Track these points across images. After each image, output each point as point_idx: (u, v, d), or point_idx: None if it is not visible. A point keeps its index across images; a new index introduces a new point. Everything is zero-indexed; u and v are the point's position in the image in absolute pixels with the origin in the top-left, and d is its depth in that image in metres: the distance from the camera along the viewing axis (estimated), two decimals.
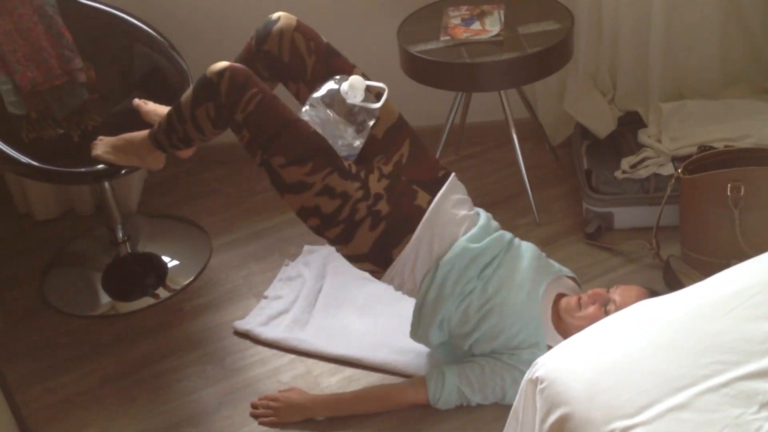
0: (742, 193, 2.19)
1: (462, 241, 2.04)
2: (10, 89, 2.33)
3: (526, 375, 1.53)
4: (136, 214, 2.86)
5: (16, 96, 2.33)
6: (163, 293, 2.53)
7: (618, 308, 1.88)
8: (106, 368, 2.29)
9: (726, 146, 2.43)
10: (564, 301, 2.04)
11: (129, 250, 2.67)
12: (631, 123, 2.76)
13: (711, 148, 2.43)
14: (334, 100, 2.00)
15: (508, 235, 2.13)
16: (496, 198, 2.78)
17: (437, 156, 2.72)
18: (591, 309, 1.97)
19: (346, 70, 2.10)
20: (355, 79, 2.00)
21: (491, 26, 2.54)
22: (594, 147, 2.74)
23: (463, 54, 2.45)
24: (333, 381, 2.17)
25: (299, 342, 2.28)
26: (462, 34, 2.52)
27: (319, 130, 1.99)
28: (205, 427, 2.08)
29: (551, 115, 2.92)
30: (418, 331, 2.08)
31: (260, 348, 2.30)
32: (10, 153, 2.25)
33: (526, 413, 1.53)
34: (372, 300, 2.39)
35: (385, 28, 2.70)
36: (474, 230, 2.07)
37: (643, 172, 2.54)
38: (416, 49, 2.48)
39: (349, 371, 2.19)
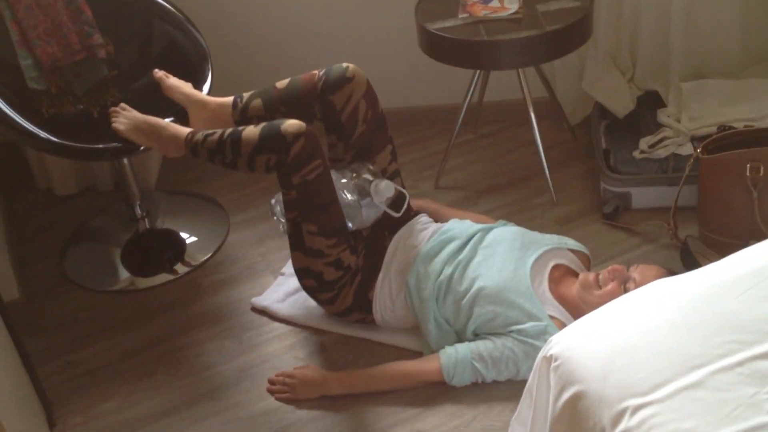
0: (761, 174, 2.17)
1: (419, 252, 2.15)
2: (31, 64, 2.34)
3: (540, 352, 1.54)
4: (154, 191, 2.88)
5: (36, 71, 2.34)
6: (181, 269, 2.56)
7: (637, 287, 1.88)
8: (126, 343, 2.32)
9: (746, 126, 2.41)
10: (582, 277, 2.04)
11: (147, 226, 2.69)
12: (650, 102, 2.74)
13: (731, 128, 2.41)
14: (363, 189, 2.14)
15: (478, 225, 2.22)
16: (514, 177, 2.78)
17: (453, 137, 2.73)
18: (610, 286, 1.97)
19: (383, 145, 2.22)
20: (388, 185, 2.14)
21: (510, 4, 2.52)
22: (613, 126, 2.73)
23: (481, 32, 2.44)
24: (349, 357, 2.19)
25: (315, 318, 2.29)
26: (480, 11, 2.51)
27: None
28: (224, 401, 2.11)
29: (570, 94, 2.90)
30: (432, 347, 2.11)
31: (277, 324, 2.32)
32: (30, 128, 2.26)
33: (540, 391, 1.54)
34: None
35: (404, 5, 2.69)
36: (432, 239, 2.18)
37: (661, 152, 2.53)
38: (434, 26, 2.47)
39: (364, 348, 2.21)
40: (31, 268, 2.63)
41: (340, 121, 2.17)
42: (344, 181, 2.14)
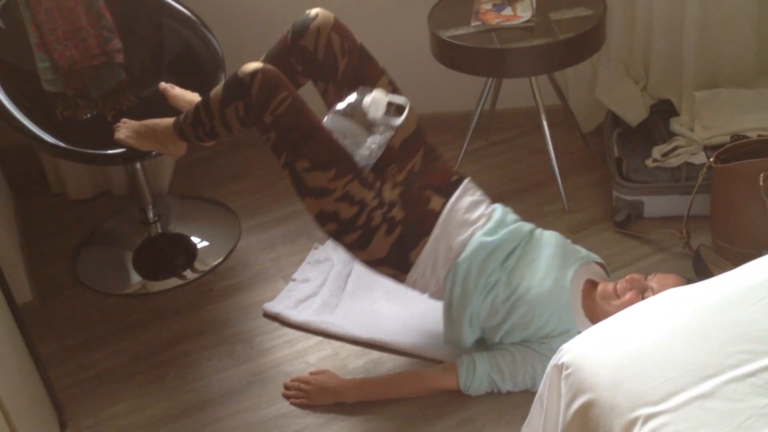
0: None
1: (477, 236, 2.06)
2: (48, 67, 2.35)
3: (551, 361, 1.54)
4: (167, 195, 2.89)
5: (53, 74, 2.36)
6: (192, 274, 2.57)
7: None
8: (137, 346, 2.33)
9: (759, 135, 2.40)
10: (600, 287, 2.04)
11: (160, 231, 2.70)
12: (663, 111, 2.74)
13: (744, 137, 2.40)
14: (355, 111, 2.02)
15: (527, 225, 2.14)
16: (525, 184, 2.78)
17: (465, 144, 2.73)
18: (628, 296, 1.96)
19: (375, 76, 2.11)
20: (378, 94, 2.01)
21: (523, 12, 2.53)
22: (625, 135, 2.72)
23: (493, 39, 2.44)
24: (360, 363, 2.19)
25: (328, 325, 2.29)
26: (493, 19, 2.51)
27: (340, 139, 2.02)
28: (234, 406, 2.11)
29: (582, 102, 2.90)
30: (450, 334, 2.09)
31: (288, 329, 2.32)
32: (39, 133, 2.27)
33: (551, 399, 1.54)
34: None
35: (416, 13, 2.70)
36: (489, 224, 2.08)
37: (674, 161, 2.52)
38: (447, 34, 2.48)
39: (375, 354, 2.21)
40: (44, 270, 2.65)
41: (319, 61, 2.11)
42: (334, 111, 2.03)
